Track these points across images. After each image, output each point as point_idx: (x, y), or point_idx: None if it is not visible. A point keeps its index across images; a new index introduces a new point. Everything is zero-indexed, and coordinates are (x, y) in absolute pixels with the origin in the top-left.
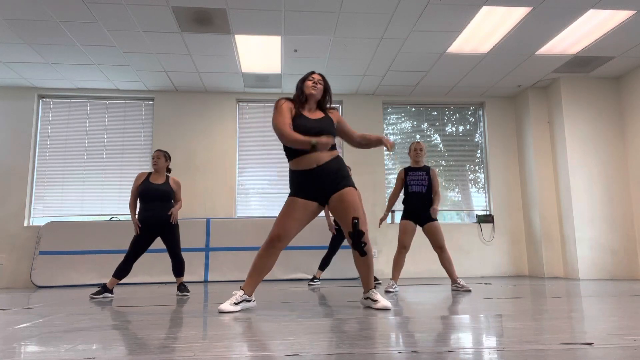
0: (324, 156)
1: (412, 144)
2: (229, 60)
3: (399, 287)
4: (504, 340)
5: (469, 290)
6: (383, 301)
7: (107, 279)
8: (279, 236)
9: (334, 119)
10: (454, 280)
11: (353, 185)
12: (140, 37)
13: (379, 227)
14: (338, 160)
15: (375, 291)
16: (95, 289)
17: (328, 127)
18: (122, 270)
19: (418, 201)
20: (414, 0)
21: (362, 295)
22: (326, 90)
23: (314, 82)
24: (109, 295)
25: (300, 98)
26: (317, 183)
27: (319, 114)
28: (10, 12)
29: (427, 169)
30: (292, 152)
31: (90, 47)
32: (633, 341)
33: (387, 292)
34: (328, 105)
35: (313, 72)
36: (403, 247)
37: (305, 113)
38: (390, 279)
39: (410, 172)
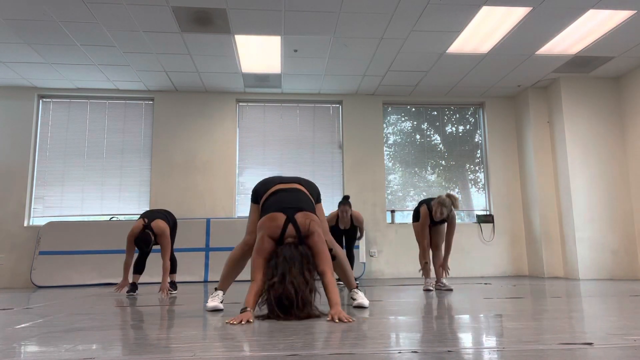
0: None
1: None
2: (229, 60)
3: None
4: (504, 340)
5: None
6: (359, 299)
7: (107, 279)
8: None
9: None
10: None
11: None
12: (140, 37)
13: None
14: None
15: (356, 291)
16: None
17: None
18: (139, 266)
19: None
20: (414, 0)
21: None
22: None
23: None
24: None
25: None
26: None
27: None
28: (10, 12)
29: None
30: (264, 208)
31: (90, 47)
32: (633, 341)
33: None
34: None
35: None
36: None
37: None
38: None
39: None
